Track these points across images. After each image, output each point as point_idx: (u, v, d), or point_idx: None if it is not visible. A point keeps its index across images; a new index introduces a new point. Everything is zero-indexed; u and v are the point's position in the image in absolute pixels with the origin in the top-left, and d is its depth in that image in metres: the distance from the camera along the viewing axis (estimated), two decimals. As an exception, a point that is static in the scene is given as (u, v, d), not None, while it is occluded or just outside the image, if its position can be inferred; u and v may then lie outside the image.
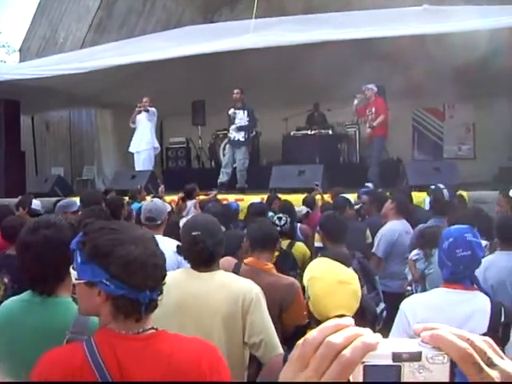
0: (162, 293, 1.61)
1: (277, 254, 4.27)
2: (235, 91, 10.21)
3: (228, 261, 3.31)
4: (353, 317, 2.73)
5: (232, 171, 10.42)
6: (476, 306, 2.41)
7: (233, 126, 10.35)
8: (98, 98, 13.51)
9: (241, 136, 10.28)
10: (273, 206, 6.58)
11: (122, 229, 1.61)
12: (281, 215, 5.03)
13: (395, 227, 5.30)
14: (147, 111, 10.92)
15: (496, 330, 2.33)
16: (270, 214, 5.68)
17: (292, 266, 4.28)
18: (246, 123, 10.25)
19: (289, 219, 5.06)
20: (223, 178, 10.34)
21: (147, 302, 1.53)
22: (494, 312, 2.38)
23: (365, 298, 3.25)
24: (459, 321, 2.35)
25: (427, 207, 6.19)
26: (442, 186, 5.61)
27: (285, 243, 4.76)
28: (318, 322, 2.06)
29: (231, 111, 10.34)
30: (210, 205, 6.00)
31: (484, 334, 2.09)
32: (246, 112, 10.26)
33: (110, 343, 1.52)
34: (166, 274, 1.61)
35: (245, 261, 3.33)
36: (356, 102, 10.03)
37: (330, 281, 2.08)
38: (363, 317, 3.04)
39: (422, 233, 4.62)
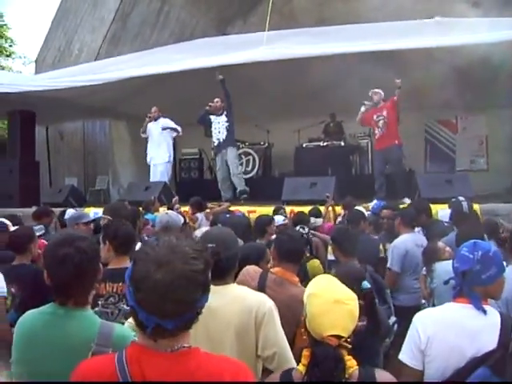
0: (183, 326, 1.55)
1: None
2: (215, 100, 10.12)
3: (254, 268, 3.33)
4: (367, 330, 2.74)
5: (231, 184, 10.33)
6: (486, 321, 2.39)
7: (214, 131, 10.28)
8: (112, 110, 13.66)
9: (224, 135, 10.14)
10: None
11: (159, 248, 1.56)
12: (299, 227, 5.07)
13: (405, 239, 5.30)
14: (156, 120, 11.09)
15: (506, 346, 2.31)
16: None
17: (303, 278, 4.28)
18: (226, 123, 10.15)
19: (308, 232, 5.10)
20: (226, 194, 10.19)
21: (153, 326, 1.50)
22: (504, 328, 2.37)
23: (381, 312, 3.28)
24: (469, 336, 2.35)
25: (443, 219, 6.17)
26: (461, 198, 5.59)
27: None
28: (314, 341, 2.07)
29: (212, 117, 10.28)
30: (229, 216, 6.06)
31: (494, 350, 2.10)
32: (225, 114, 10.19)
33: (138, 359, 1.53)
34: (184, 311, 1.52)
35: (272, 270, 3.34)
36: (363, 109, 9.57)
37: (327, 299, 2.07)
38: (378, 330, 3.07)
39: (423, 250, 4.65)
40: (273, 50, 9.06)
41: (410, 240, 5.30)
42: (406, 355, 2.48)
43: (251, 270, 3.24)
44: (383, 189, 9.30)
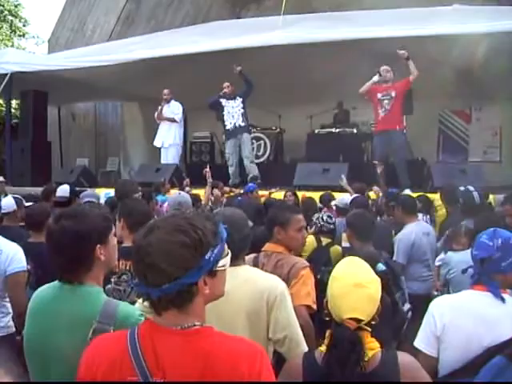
0: (167, 300, 1.51)
1: (314, 247, 4.40)
2: (225, 85, 10.09)
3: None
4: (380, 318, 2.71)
5: (240, 169, 10.32)
6: (504, 309, 2.35)
7: (227, 115, 10.24)
8: (124, 91, 13.60)
9: (240, 121, 10.17)
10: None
11: (159, 220, 1.61)
12: (330, 214, 5.11)
13: (410, 231, 5.20)
14: (168, 103, 11.12)
15: None
16: None
17: (326, 262, 4.30)
18: (242, 110, 10.17)
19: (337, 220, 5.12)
20: (235, 179, 10.19)
21: (145, 293, 1.55)
22: (523, 317, 2.33)
23: (397, 300, 3.25)
24: (486, 324, 2.32)
25: None
26: (472, 188, 5.50)
27: (325, 241, 4.84)
28: (335, 323, 2.07)
29: (223, 101, 10.26)
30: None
31: (511, 340, 2.04)
32: (238, 99, 10.19)
33: (150, 335, 1.52)
34: (160, 281, 1.48)
35: (262, 248, 3.38)
36: (376, 79, 9.03)
37: (346, 282, 2.08)
38: (394, 318, 3.04)
39: (445, 236, 4.57)
40: (288, 34, 8.99)
41: (416, 230, 5.20)
42: (421, 342, 2.46)
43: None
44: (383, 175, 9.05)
